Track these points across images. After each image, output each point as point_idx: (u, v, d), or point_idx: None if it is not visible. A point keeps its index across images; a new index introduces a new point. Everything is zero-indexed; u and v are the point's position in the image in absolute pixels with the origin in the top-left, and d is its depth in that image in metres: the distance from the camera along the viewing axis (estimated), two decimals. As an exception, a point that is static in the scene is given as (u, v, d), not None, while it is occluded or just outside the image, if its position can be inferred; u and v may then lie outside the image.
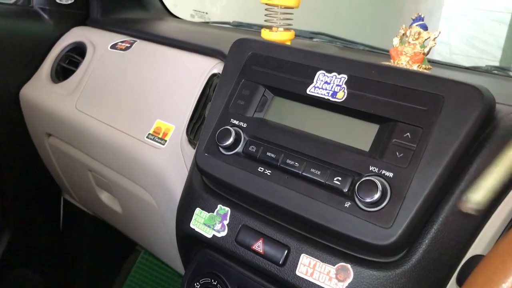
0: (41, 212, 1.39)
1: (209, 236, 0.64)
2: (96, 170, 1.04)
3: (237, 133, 0.62)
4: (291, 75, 0.62)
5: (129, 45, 1.05)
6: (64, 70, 1.15)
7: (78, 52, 1.15)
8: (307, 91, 0.60)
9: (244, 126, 0.63)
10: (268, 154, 0.59)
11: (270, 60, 0.64)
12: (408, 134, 0.52)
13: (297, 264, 0.56)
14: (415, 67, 0.64)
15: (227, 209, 0.63)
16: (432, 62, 0.66)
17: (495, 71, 1.09)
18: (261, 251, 0.58)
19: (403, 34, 0.65)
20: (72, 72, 1.11)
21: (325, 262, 0.54)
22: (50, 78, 1.15)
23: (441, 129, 0.50)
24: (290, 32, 0.78)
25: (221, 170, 0.63)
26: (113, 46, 1.07)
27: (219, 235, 0.63)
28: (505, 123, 0.53)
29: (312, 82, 0.60)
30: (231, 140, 0.61)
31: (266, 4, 0.76)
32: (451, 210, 0.51)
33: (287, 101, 0.63)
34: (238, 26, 1.28)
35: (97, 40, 1.12)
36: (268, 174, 0.59)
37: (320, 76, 0.59)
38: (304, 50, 0.63)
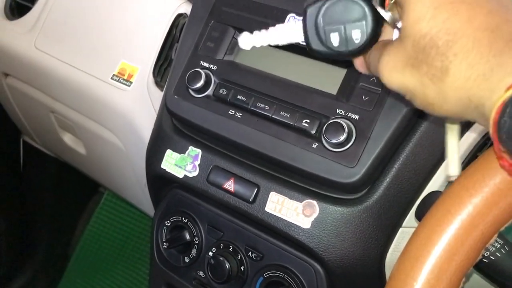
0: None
1: (181, 176, 0.65)
2: (58, 111, 1.02)
3: (207, 76, 0.62)
4: (261, 17, 0.62)
5: (89, -20, 1.00)
6: (19, 6, 1.09)
7: (33, -13, 1.09)
8: (278, 35, 0.60)
9: (214, 68, 0.63)
10: (239, 97, 0.61)
11: (240, 1, 0.64)
12: (374, 78, 0.54)
13: (266, 201, 0.59)
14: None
15: (199, 150, 0.65)
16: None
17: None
18: (232, 189, 0.61)
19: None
20: (29, 8, 1.06)
21: (293, 199, 0.57)
22: (4, 14, 1.09)
23: (405, 74, 0.53)
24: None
25: (191, 112, 0.64)
26: (73, -19, 1.02)
27: (190, 175, 0.65)
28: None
29: (283, 25, 0.60)
30: (201, 82, 0.62)
31: None
32: (411, 151, 0.55)
33: (257, 44, 0.63)
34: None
35: (54, -25, 1.06)
36: (239, 116, 0.60)
37: (291, 19, 0.60)
38: (275, -8, 0.63)
